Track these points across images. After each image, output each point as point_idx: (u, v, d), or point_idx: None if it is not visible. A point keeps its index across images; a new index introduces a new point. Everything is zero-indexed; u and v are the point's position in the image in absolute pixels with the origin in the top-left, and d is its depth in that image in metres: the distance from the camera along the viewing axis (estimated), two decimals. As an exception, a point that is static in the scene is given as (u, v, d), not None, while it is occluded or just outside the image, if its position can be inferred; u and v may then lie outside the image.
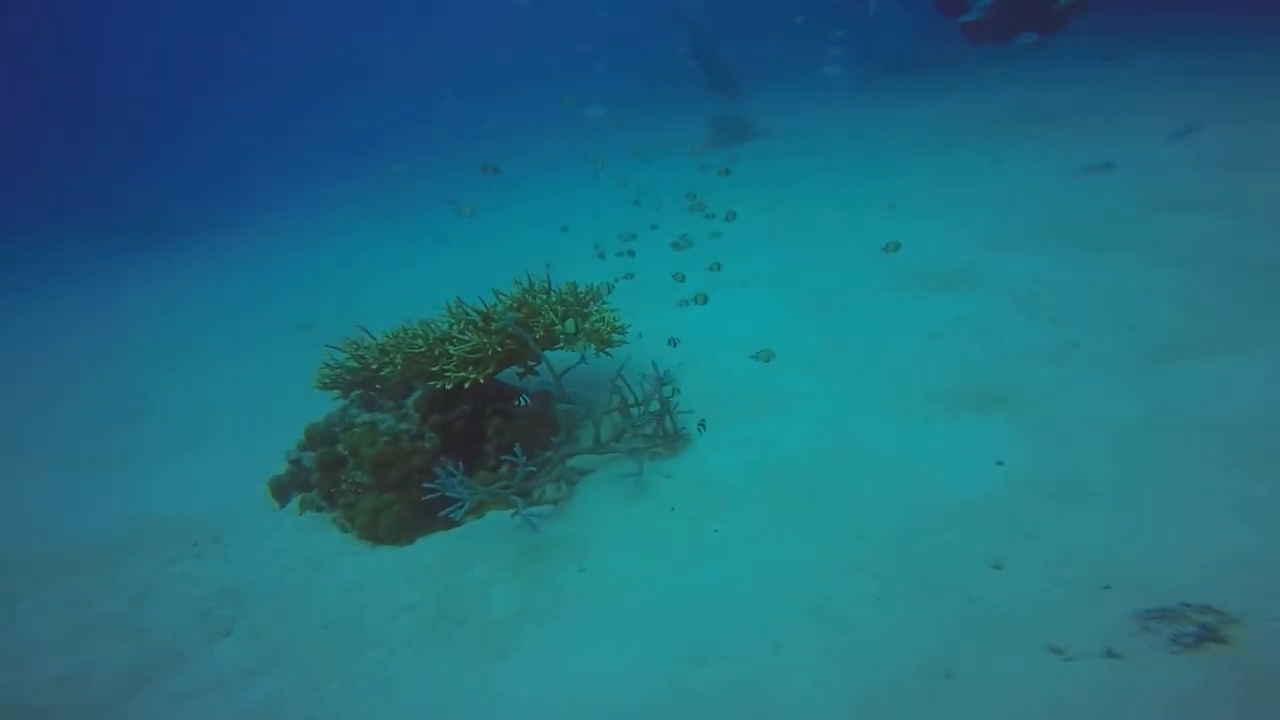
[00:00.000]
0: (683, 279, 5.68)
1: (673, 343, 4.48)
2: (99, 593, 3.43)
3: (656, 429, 3.94)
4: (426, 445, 3.73)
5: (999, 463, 3.23)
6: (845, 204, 7.90)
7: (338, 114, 22.47)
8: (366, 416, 3.92)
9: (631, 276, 6.24)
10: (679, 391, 4.29)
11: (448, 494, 3.02)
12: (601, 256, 7.22)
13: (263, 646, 2.83)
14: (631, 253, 6.73)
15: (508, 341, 3.86)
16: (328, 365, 4.29)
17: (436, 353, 3.77)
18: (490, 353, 3.79)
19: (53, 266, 13.53)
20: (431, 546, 3.17)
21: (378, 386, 4.19)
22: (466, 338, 3.84)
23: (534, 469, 3.33)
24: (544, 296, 4.28)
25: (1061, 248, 5.39)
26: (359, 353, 4.20)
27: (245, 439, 4.98)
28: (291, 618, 2.95)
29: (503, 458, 3.76)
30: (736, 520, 3.20)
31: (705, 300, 5.53)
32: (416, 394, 4.09)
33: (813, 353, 4.59)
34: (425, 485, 2.99)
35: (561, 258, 7.86)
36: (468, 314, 4.18)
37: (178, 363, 7.32)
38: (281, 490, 3.65)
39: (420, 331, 4.06)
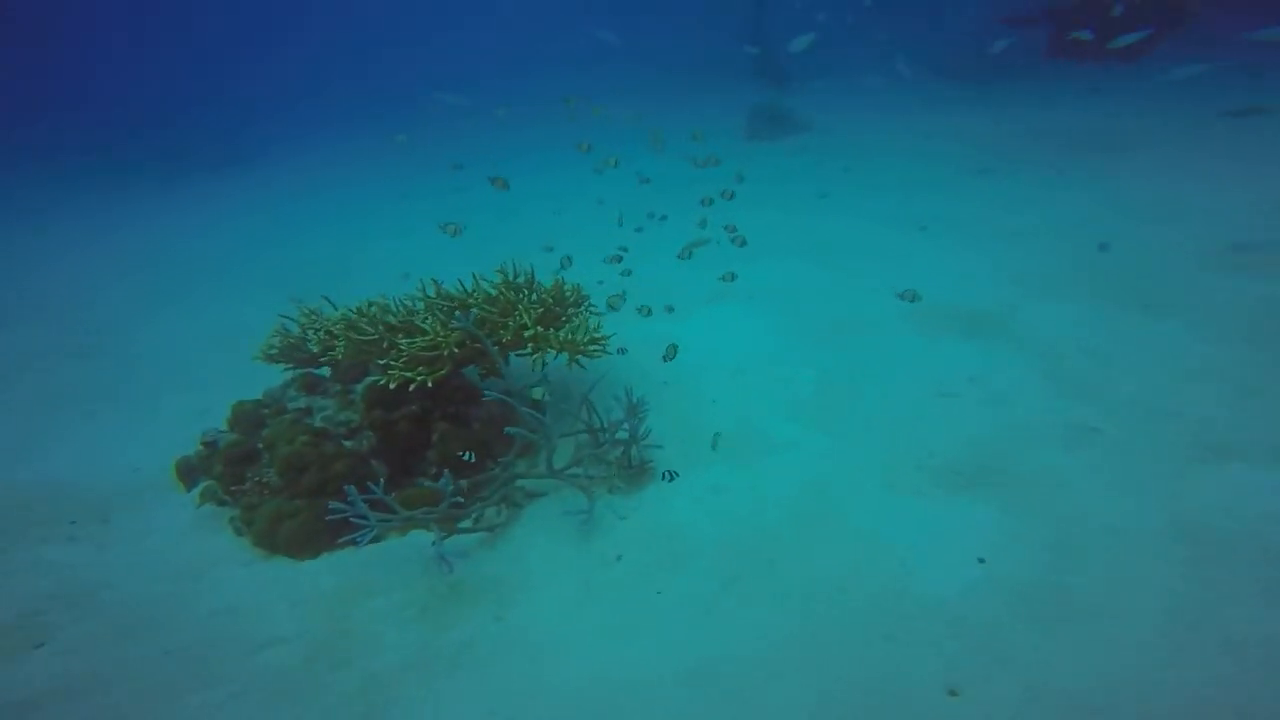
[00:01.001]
0: (689, 255, 5.14)
1: (668, 354, 4.07)
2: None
3: (622, 457, 3.58)
4: (363, 446, 3.41)
5: (981, 560, 2.84)
6: (877, 218, 7.36)
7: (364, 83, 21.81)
8: (303, 402, 3.59)
9: (629, 273, 5.81)
10: (647, 416, 3.90)
11: (350, 518, 2.68)
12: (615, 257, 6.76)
13: (72, 668, 2.42)
14: (619, 259, 6.18)
15: (468, 340, 3.50)
16: (280, 333, 3.96)
17: (386, 344, 3.42)
18: (446, 352, 3.43)
19: (80, 192, 13.38)
20: (333, 567, 2.84)
21: (322, 363, 3.84)
22: (426, 328, 3.48)
23: (461, 499, 2.99)
24: (525, 293, 3.90)
25: (1103, 301, 4.88)
26: (316, 325, 3.86)
27: (196, 398, 4.69)
28: (132, 637, 2.57)
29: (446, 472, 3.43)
30: (685, 585, 2.84)
31: (693, 313, 5.12)
32: (368, 381, 3.75)
33: (807, 393, 4.17)
34: (330, 505, 2.66)
35: (565, 234, 7.44)
36: (438, 300, 3.81)
37: (158, 303, 7.07)
38: (189, 473, 3.34)
39: (377, 313, 3.71)
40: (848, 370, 4.38)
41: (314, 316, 3.99)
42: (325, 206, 10.48)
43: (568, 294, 4.13)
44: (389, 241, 8.34)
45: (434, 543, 2.74)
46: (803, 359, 4.58)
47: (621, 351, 4.61)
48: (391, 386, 3.28)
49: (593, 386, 3.75)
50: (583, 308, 4.24)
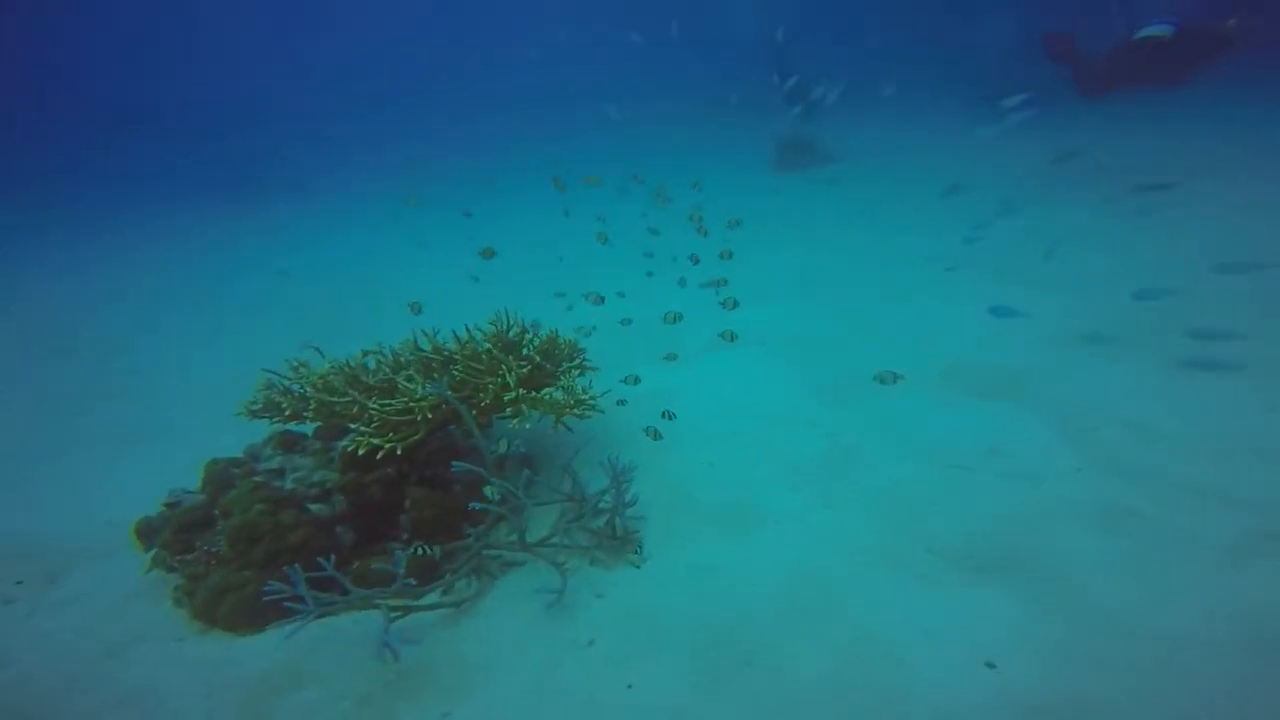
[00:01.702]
0: (678, 320, 4.87)
1: (666, 415, 3.87)
2: None
3: (605, 527, 3.36)
4: (335, 509, 3.27)
5: (989, 665, 2.49)
6: (902, 257, 7.04)
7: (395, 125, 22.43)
8: (276, 462, 3.49)
9: (628, 322, 5.58)
10: (635, 480, 3.66)
11: (285, 601, 2.51)
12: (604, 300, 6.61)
13: None
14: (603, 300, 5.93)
15: (443, 405, 3.35)
16: (266, 388, 3.89)
17: (356, 409, 3.30)
18: (419, 417, 3.29)
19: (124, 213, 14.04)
20: (271, 646, 2.63)
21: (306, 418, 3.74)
22: (403, 388, 3.35)
23: (412, 581, 2.80)
24: (516, 348, 3.75)
25: (1150, 361, 4.45)
26: (301, 379, 3.78)
27: (205, 445, 4.64)
28: None
29: (413, 544, 3.26)
30: (658, 679, 2.58)
31: (699, 359, 4.89)
32: (345, 440, 3.63)
33: (811, 459, 3.88)
34: (266, 587, 2.49)
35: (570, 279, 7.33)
36: (429, 354, 3.69)
37: (198, 341, 7.19)
38: (148, 535, 3.24)
39: (357, 371, 3.61)
40: (858, 434, 4.08)
41: (301, 370, 3.92)
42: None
43: (561, 348, 3.97)
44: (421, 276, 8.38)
45: (384, 629, 2.55)
46: (811, 420, 4.29)
47: (621, 403, 4.41)
48: (360, 453, 3.15)
49: (577, 452, 3.56)
50: (576, 362, 4.07)
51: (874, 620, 2.74)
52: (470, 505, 3.01)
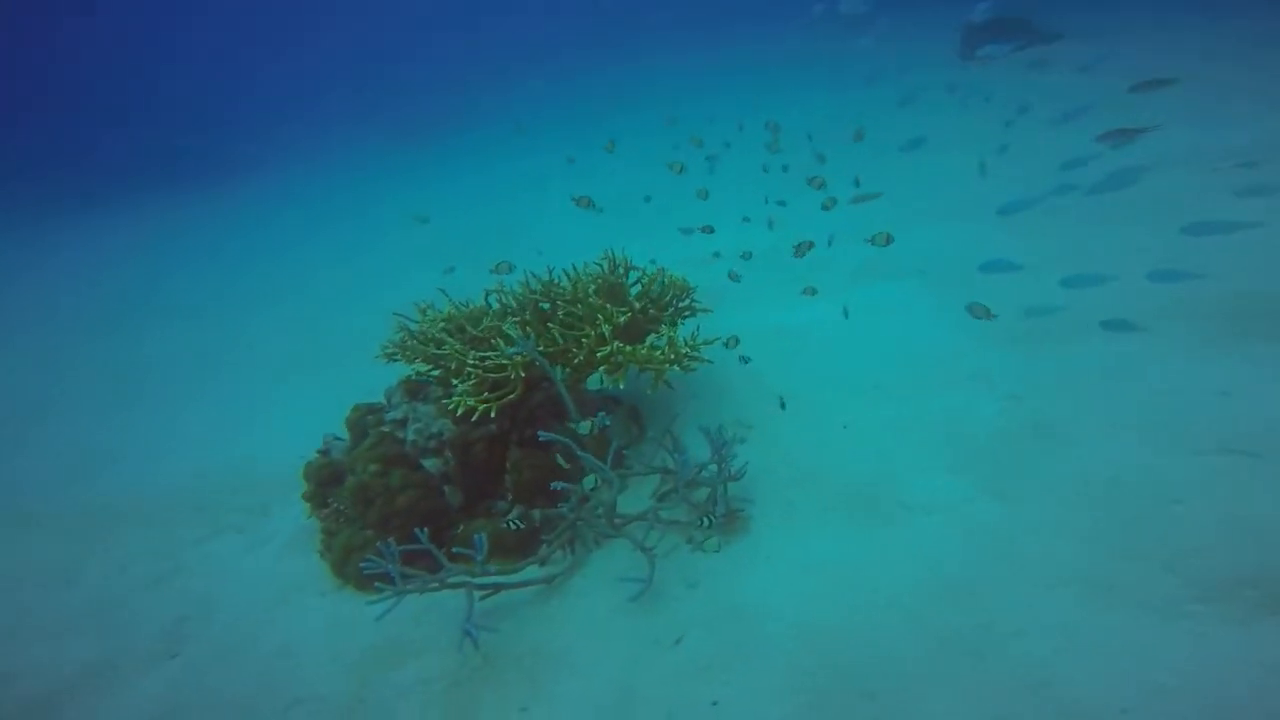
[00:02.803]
0: (810, 250, 4.07)
1: (781, 404, 3.37)
2: (100, 566, 3.44)
3: (707, 502, 2.99)
4: (447, 466, 3.28)
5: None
6: (1159, 161, 5.30)
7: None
8: (401, 411, 3.56)
9: (750, 255, 4.83)
10: (746, 448, 3.20)
11: (376, 579, 2.53)
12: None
13: (180, 694, 2.57)
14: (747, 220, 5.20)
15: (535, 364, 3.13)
16: (402, 330, 3.93)
17: (455, 365, 3.20)
18: (513, 374, 3.11)
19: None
20: (386, 614, 2.75)
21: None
22: (507, 335, 3.17)
23: (492, 569, 2.67)
24: (621, 290, 3.38)
25: None
26: (425, 323, 3.77)
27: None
28: (220, 666, 2.68)
29: (515, 506, 3.17)
30: (749, 699, 2.23)
31: (841, 292, 4.11)
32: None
33: (980, 428, 3.09)
34: (365, 561, 2.53)
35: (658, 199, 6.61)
36: (538, 295, 3.47)
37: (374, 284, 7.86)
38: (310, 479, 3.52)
39: (461, 320, 3.49)
40: (1054, 398, 3.16)
41: (427, 313, 3.93)
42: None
43: (665, 290, 3.53)
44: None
45: (467, 615, 2.48)
46: (984, 374, 3.42)
47: (744, 360, 3.89)
48: (459, 413, 3.07)
49: (674, 418, 3.18)
50: (686, 303, 3.62)
51: (1063, 672, 2.08)
52: (552, 485, 2.79)
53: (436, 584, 2.56)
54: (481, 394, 3.08)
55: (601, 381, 3.07)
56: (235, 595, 3.08)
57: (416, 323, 3.75)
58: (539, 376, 3.32)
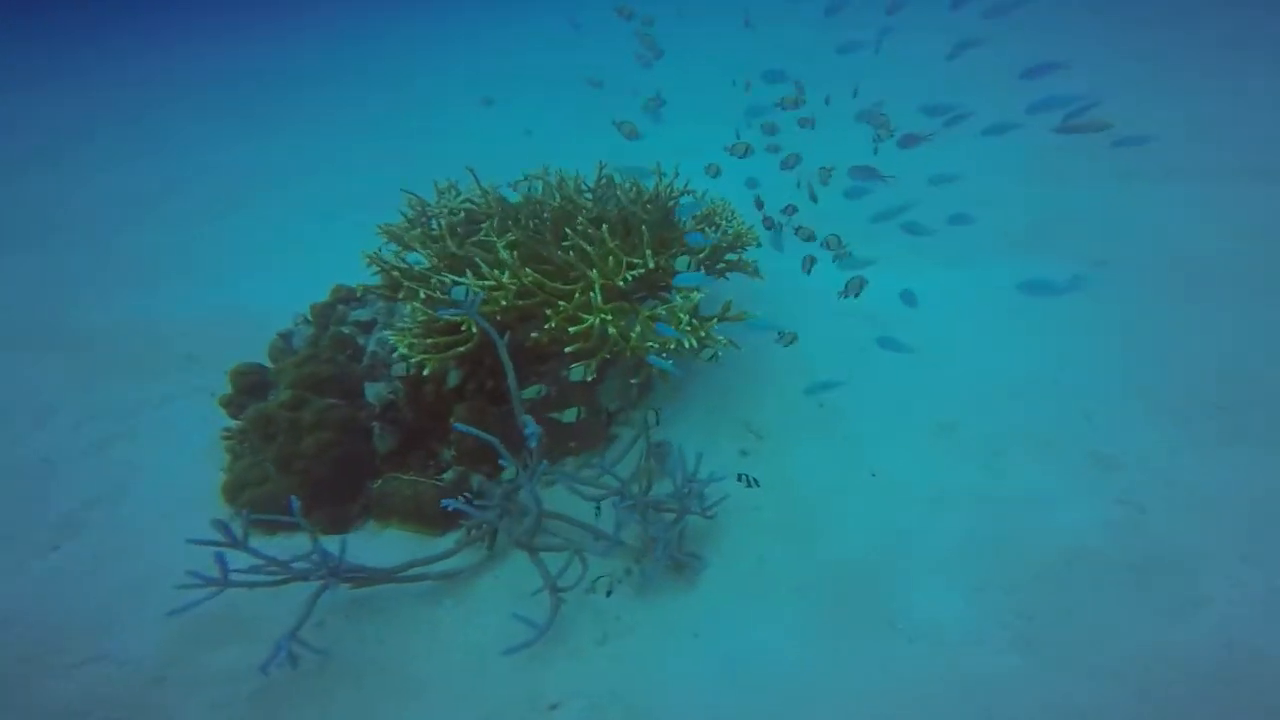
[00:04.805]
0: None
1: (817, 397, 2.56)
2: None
3: (665, 539, 2.41)
4: (387, 397, 2.84)
5: None
6: None
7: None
8: (375, 310, 3.10)
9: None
10: (719, 500, 2.54)
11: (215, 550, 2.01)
12: None
13: (17, 604, 2.35)
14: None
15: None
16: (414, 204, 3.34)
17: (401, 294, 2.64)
18: (465, 326, 2.51)
19: None
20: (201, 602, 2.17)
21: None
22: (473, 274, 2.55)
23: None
24: (639, 214, 2.61)
25: None
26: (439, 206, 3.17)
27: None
28: (70, 584, 2.42)
29: (453, 470, 2.73)
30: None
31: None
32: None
33: (1041, 545, 2.24)
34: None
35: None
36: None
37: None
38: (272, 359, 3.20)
39: (452, 225, 2.86)
40: (1187, 520, 2.23)
41: (448, 193, 3.30)
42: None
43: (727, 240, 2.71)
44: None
45: (304, 613, 2.01)
46: (1104, 459, 2.49)
47: (785, 339, 3.06)
48: (409, 373, 2.56)
49: (656, 420, 2.51)
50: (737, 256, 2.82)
51: None
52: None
53: (281, 576, 2.07)
54: (428, 340, 2.54)
55: (584, 372, 2.42)
56: (151, 486, 2.87)
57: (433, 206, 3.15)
58: (515, 316, 2.71)
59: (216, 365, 3.51)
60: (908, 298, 3.03)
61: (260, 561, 2.04)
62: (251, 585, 2.01)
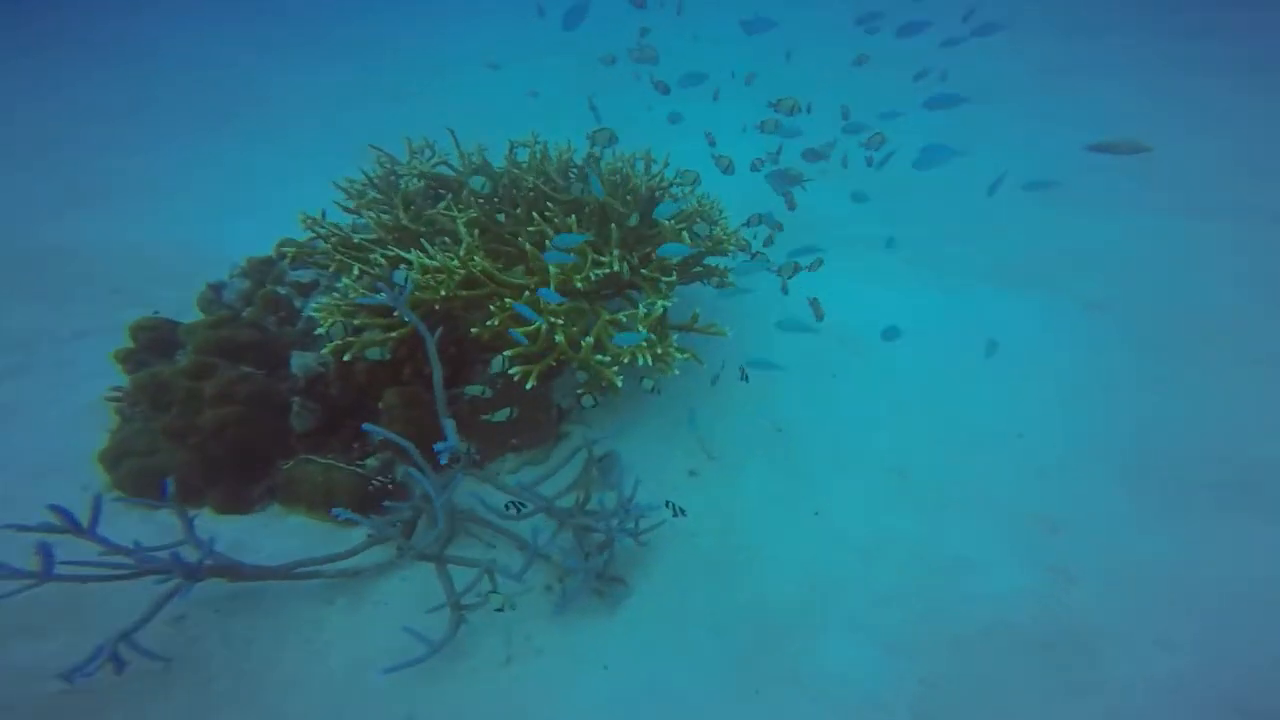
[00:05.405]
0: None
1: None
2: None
3: (592, 562, 2.27)
4: (315, 370, 2.64)
5: None
6: None
7: None
8: (310, 274, 2.88)
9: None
10: (654, 526, 2.39)
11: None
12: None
13: None
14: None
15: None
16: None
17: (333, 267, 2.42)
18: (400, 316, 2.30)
19: None
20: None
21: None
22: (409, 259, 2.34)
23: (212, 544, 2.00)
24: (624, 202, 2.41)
25: None
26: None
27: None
28: None
29: (376, 455, 2.54)
30: None
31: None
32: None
33: (984, 612, 2.12)
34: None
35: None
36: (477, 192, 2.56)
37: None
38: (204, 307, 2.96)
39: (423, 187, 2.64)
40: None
41: (422, 151, 3.05)
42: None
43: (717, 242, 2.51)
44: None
45: (129, 629, 1.76)
46: (1047, 520, 2.37)
47: (744, 377, 2.90)
48: (326, 350, 2.35)
49: (605, 426, 2.34)
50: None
51: None
52: (435, 447, 2.04)
53: (133, 570, 1.82)
54: (355, 320, 2.33)
55: (504, 364, 2.23)
56: (27, 435, 2.65)
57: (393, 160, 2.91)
58: (461, 305, 2.50)
59: (145, 303, 3.29)
60: (890, 334, 2.90)
61: (107, 550, 1.80)
62: (84, 580, 1.79)
